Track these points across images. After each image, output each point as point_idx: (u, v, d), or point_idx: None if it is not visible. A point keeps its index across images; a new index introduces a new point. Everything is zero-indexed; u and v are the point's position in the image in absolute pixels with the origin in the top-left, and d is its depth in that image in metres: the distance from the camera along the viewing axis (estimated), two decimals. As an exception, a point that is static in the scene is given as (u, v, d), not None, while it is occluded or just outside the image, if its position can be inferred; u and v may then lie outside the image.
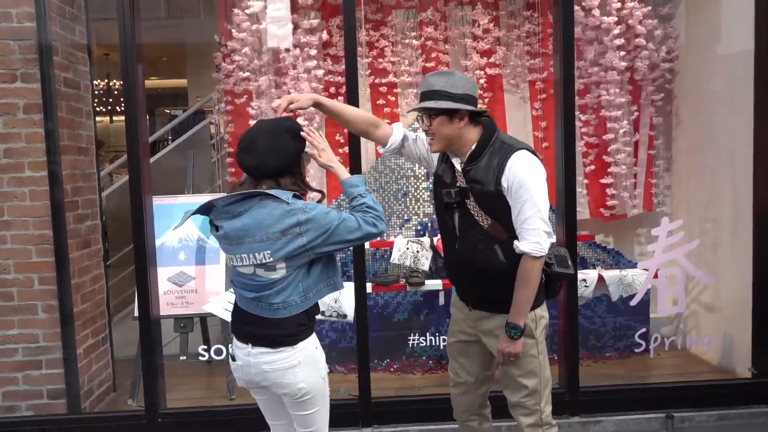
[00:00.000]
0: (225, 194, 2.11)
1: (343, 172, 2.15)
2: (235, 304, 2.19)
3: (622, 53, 3.95)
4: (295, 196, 2.03)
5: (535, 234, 2.12)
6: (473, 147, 2.21)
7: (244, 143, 2.06)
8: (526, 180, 2.11)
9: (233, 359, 2.15)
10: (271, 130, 2.06)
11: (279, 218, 1.98)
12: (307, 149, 2.13)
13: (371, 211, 2.06)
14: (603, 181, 4.18)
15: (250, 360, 2.09)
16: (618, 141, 4.12)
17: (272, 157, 2.03)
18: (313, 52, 3.86)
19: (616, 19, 3.91)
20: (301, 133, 2.09)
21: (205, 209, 2.10)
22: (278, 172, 2.06)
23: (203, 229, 3.78)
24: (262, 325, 2.07)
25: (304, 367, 2.08)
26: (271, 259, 2.00)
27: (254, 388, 2.16)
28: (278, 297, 2.05)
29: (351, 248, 3.24)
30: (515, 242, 2.15)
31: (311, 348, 2.11)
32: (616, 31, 3.91)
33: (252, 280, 2.07)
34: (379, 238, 4.04)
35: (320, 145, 2.13)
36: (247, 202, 2.02)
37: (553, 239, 2.18)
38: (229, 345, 2.14)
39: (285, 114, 2.20)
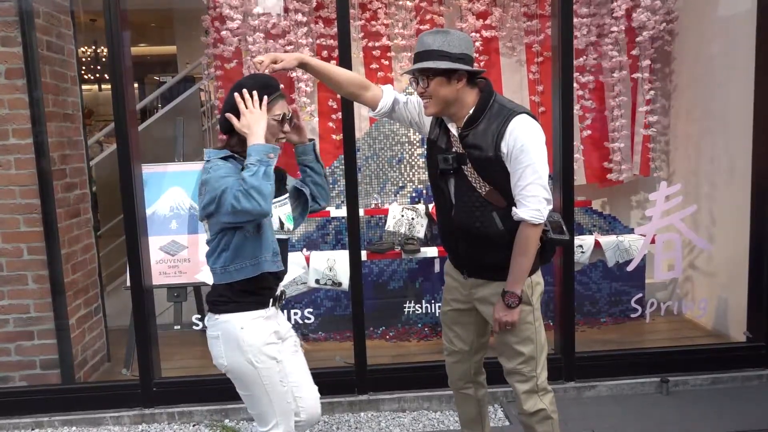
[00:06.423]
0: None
1: (252, 139, 1.91)
2: None
3: (621, 13, 3.86)
4: (232, 157, 1.98)
5: (535, 201, 2.06)
6: (470, 111, 2.12)
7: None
8: (528, 145, 2.04)
9: None
10: (232, 88, 2.01)
11: (200, 175, 1.97)
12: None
13: (244, 184, 1.81)
14: (599, 146, 4.13)
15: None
16: (615, 105, 4.05)
17: (222, 114, 2.01)
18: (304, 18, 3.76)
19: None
20: (235, 94, 1.96)
21: None
22: (223, 129, 2.03)
23: (194, 197, 3.72)
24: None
25: (224, 343, 2.02)
26: (198, 215, 2.02)
27: None
28: (209, 260, 2.02)
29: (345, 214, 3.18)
30: (514, 209, 2.10)
31: (233, 326, 2.00)
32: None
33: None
34: (371, 206, 4.03)
35: (243, 107, 1.94)
36: None
37: (551, 206, 2.13)
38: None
39: (266, 72, 2.09)
